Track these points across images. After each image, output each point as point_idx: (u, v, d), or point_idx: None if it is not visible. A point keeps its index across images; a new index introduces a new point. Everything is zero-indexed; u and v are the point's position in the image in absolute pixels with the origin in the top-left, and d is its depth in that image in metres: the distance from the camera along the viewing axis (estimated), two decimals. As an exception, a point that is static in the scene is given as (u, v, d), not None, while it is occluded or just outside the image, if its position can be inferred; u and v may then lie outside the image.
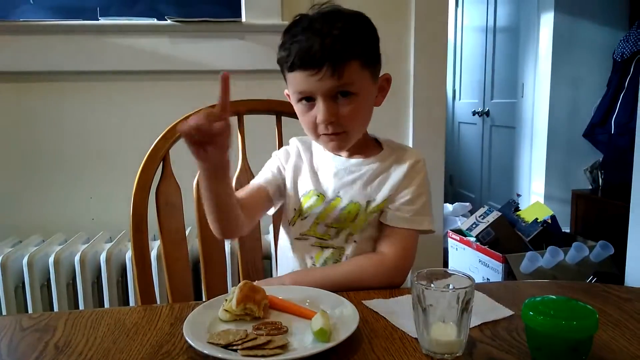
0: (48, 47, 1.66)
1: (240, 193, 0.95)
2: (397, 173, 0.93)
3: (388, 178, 0.94)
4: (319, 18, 0.86)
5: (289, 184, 0.99)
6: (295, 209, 0.97)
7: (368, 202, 0.93)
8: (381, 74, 0.94)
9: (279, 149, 1.14)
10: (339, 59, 0.84)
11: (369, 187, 0.93)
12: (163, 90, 1.74)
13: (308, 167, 0.99)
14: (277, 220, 1.10)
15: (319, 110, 0.88)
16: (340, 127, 0.89)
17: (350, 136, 0.92)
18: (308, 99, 0.89)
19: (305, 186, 0.97)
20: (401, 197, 0.92)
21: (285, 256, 1.00)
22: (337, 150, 0.96)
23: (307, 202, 0.95)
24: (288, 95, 0.98)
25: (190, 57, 1.71)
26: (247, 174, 1.12)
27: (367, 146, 0.98)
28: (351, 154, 0.97)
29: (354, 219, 0.93)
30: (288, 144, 1.06)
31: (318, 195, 0.95)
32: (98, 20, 1.68)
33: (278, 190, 1.00)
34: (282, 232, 1.02)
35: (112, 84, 1.73)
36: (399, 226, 0.91)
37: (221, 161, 0.76)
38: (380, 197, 0.93)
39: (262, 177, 1.01)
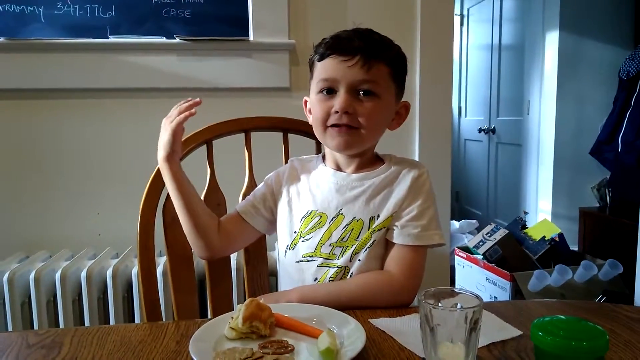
0: (58, 65, 1.68)
1: (223, 218, 0.99)
2: (401, 187, 0.91)
3: (392, 192, 0.91)
4: (360, 28, 0.92)
5: (283, 207, 0.97)
6: (295, 232, 0.94)
7: (371, 219, 0.90)
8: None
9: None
10: (371, 55, 0.87)
11: (371, 203, 0.91)
12: (171, 107, 1.75)
13: (307, 187, 0.97)
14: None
15: (339, 99, 0.87)
16: (356, 121, 0.88)
17: (362, 137, 0.90)
18: (329, 90, 0.89)
19: (304, 207, 0.95)
20: (407, 213, 0.90)
21: (290, 277, 0.96)
22: (342, 147, 0.91)
23: (309, 223, 0.93)
24: (305, 102, 0.98)
25: (199, 75, 1.73)
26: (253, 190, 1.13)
27: (370, 162, 0.96)
28: (353, 170, 0.95)
29: (357, 236, 0.90)
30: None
31: (320, 216, 0.93)
32: (108, 38, 1.71)
33: (262, 220, 0.99)
34: (281, 255, 0.99)
35: (121, 101, 1.75)
36: (406, 244, 0.89)
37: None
38: (384, 213, 0.90)
39: (243, 205, 1.00)
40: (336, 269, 0.90)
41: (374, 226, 0.90)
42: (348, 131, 0.89)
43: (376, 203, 0.91)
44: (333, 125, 0.89)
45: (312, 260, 0.92)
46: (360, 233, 0.90)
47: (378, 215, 0.91)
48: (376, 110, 0.88)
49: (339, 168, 0.96)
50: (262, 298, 0.87)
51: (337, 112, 0.88)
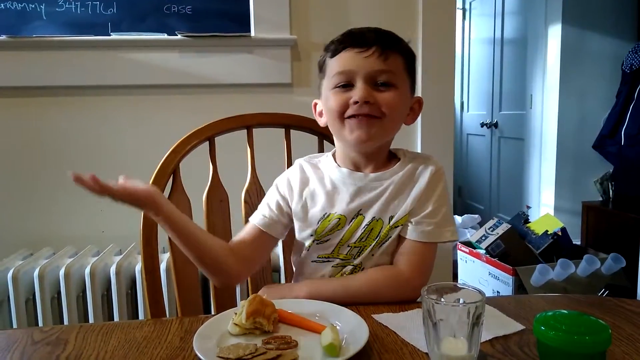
0: (60, 63, 1.69)
1: (237, 238, 0.94)
2: (419, 184, 0.90)
3: (410, 190, 0.90)
4: (368, 27, 0.91)
5: (299, 211, 0.94)
6: (312, 234, 0.92)
7: (391, 217, 0.89)
8: None
9: (287, 162, 1.14)
10: (387, 46, 0.87)
11: (392, 203, 0.90)
12: (173, 104, 1.76)
13: (322, 189, 0.93)
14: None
15: (358, 90, 0.85)
16: (378, 110, 0.86)
17: (384, 127, 0.88)
18: (345, 85, 0.87)
19: (321, 210, 0.92)
20: (423, 210, 0.89)
21: (303, 277, 0.95)
22: (364, 139, 0.87)
23: (328, 225, 0.90)
24: (315, 105, 0.97)
25: (200, 71, 1.73)
26: (256, 187, 1.13)
27: (386, 160, 0.95)
28: (371, 170, 0.93)
29: (377, 235, 0.89)
30: (293, 164, 1.02)
31: (339, 218, 0.90)
32: (109, 35, 1.71)
33: (282, 227, 0.96)
34: (294, 257, 0.98)
35: (123, 98, 1.75)
36: (418, 240, 0.88)
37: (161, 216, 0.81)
38: (402, 210, 0.89)
39: (261, 217, 0.95)
40: (352, 267, 0.90)
41: (391, 223, 0.89)
42: (369, 121, 0.86)
43: (396, 202, 0.90)
44: (351, 117, 0.87)
45: (327, 261, 0.92)
46: (380, 232, 0.89)
47: (396, 213, 0.89)
48: (396, 99, 0.87)
49: (354, 168, 0.94)
50: (267, 292, 0.87)
51: (356, 102, 0.85)
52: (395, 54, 0.88)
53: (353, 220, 0.90)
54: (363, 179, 0.92)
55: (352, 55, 0.87)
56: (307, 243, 0.93)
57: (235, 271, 0.91)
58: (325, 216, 0.91)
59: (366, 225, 0.90)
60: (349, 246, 0.90)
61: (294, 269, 1.01)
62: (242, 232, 0.96)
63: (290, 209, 0.96)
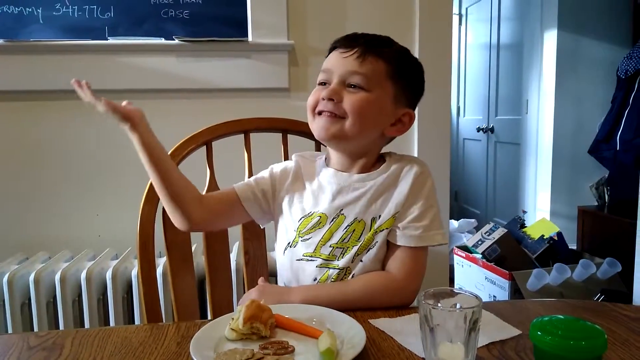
0: (57, 67, 1.69)
1: (210, 193, 0.99)
2: (402, 187, 0.90)
3: (393, 193, 0.91)
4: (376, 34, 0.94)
5: (285, 205, 0.96)
6: (295, 230, 0.94)
7: (373, 219, 0.90)
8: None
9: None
10: (369, 49, 0.89)
11: (373, 204, 0.90)
12: (170, 108, 1.76)
13: (309, 188, 0.96)
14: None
15: (328, 88, 0.89)
16: (340, 110, 0.88)
17: (343, 127, 0.88)
18: (324, 83, 0.91)
19: (305, 207, 0.94)
20: (409, 214, 0.89)
21: (288, 276, 0.96)
22: (323, 134, 0.90)
23: (309, 223, 0.92)
24: None
25: (198, 75, 1.73)
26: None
27: (373, 164, 0.96)
28: (357, 171, 0.94)
29: (359, 237, 0.90)
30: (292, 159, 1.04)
31: (320, 217, 0.92)
32: (106, 39, 1.71)
33: (257, 209, 0.97)
34: (280, 252, 0.98)
35: (120, 102, 1.74)
36: (408, 245, 0.88)
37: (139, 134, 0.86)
38: (386, 213, 0.90)
39: (244, 187, 0.97)
40: (337, 270, 0.90)
41: (375, 227, 0.89)
42: (331, 120, 0.89)
43: (378, 204, 0.91)
44: (320, 113, 0.90)
45: (311, 260, 0.92)
46: (362, 234, 0.90)
47: (380, 216, 0.90)
48: (362, 102, 0.88)
49: (341, 169, 0.95)
50: (262, 295, 0.87)
51: (323, 99, 0.89)
52: (377, 58, 0.89)
53: (334, 220, 0.91)
54: (347, 179, 0.93)
55: (336, 55, 0.91)
56: (291, 239, 0.94)
57: (199, 218, 0.92)
58: (309, 214, 0.93)
59: (347, 225, 0.90)
60: (330, 246, 0.91)
61: (278, 264, 1.00)
62: (222, 191, 0.99)
63: (274, 199, 0.97)
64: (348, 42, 0.91)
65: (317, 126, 0.92)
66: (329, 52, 0.94)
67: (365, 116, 0.89)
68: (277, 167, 1.01)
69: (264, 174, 1.00)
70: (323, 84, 0.92)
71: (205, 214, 0.93)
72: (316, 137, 0.94)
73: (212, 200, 0.95)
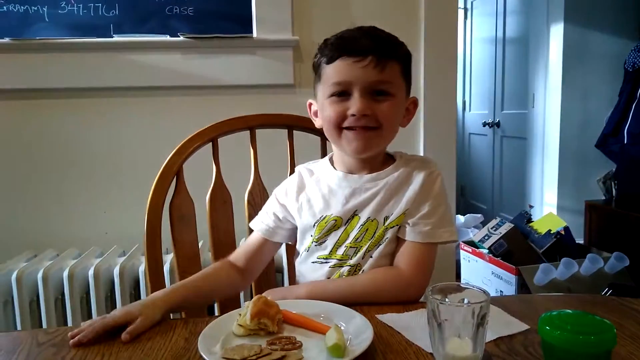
0: (62, 65, 1.69)
1: (242, 251, 0.99)
2: (414, 185, 0.91)
3: (405, 191, 0.91)
4: (363, 26, 0.90)
5: (297, 216, 0.96)
6: (311, 236, 0.94)
7: (386, 218, 0.90)
8: None
9: (290, 163, 1.15)
10: (383, 54, 0.86)
11: (386, 205, 0.91)
12: (176, 105, 1.77)
13: (318, 193, 0.95)
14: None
15: (354, 102, 0.85)
16: (375, 122, 0.86)
17: (381, 137, 0.89)
18: (341, 94, 0.87)
19: (318, 213, 0.94)
20: (420, 211, 0.89)
21: (302, 278, 0.97)
22: (361, 150, 0.89)
23: (324, 228, 0.92)
24: (310, 106, 0.98)
25: (203, 72, 1.73)
26: (259, 188, 1.13)
27: (381, 163, 0.95)
28: (366, 172, 0.94)
29: (372, 235, 0.90)
30: (296, 164, 1.05)
31: (335, 220, 0.91)
32: (112, 37, 1.71)
33: (285, 232, 0.99)
34: (297, 255, 0.99)
35: (126, 100, 1.75)
36: (417, 241, 0.89)
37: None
38: (397, 211, 0.90)
39: (265, 227, 0.99)
40: (349, 267, 0.91)
41: (387, 223, 0.90)
42: (366, 133, 0.87)
43: (390, 203, 0.91)
44: (348, 128, 0.88)
45: (325, 262, 0.93)
46: (375, 232, 0.90)
47: (391, 213, 0.90)
48: (393, 109, 0.88)
49: (350, 171, 0.95)
50: (269, 295, 0.87)
51: (353, 115, 0.86)
52: (392, 61, 0.87)
53: (349, 221, 0.91)
54: (358, 180, 0.93)
55: (349, 64, 0.86)
56: (306, 245, 0.95)
57: (246, 284, 1.01)
58: (322, 218, 0.93)
59: (361, 225, 0.91)
60: (345, 247, 0.91)
61: (296, 270, 1.02)
62: (248, 243, 1.00)
63: (291, 214, 0.98)
64: (357, 49, 0.86)
65: (349, 143, 0.89)
66: (329, 59, 0.88)
67: (397, 121, 0.92)
68: (279, 189, 1.02)
69: (271, 200, 1.02)
70: (340, 94, 0.88)
71: (250, 278, 0.99)
72: (350, 153, 0.91)
73: (249, 263, 0.97)
